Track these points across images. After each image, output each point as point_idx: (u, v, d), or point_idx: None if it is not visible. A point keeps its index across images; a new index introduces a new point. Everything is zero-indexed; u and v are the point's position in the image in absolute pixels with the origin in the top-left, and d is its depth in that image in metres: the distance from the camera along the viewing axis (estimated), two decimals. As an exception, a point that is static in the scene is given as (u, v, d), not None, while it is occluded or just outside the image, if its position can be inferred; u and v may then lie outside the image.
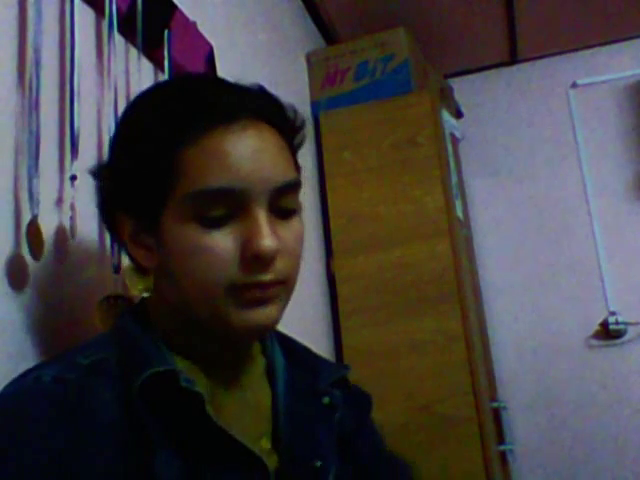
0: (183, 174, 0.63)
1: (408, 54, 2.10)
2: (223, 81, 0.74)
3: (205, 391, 0.65)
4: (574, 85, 2.75)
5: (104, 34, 1.01)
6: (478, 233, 2.64)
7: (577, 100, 2.74)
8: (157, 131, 0.65)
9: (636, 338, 2.50)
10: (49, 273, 0.84)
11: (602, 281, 2.55)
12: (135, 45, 1.07)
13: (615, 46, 2.72)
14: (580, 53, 2.77)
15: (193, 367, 0.69)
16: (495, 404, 2.06)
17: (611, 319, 2.50)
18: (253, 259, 0.63)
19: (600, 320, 2.52)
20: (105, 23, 0.99)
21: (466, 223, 2.32)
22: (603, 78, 2.71)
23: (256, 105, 0.68)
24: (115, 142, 0.71)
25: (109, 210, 0.70)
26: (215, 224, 0.63)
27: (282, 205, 0.67)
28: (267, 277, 0.64)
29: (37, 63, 0.83)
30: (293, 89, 2.04)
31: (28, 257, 0.80)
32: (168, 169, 0.64)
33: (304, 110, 2.11)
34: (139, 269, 0.72)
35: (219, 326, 0.65)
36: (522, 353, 2.56)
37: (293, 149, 0.73)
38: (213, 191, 0.62)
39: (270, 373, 0.75)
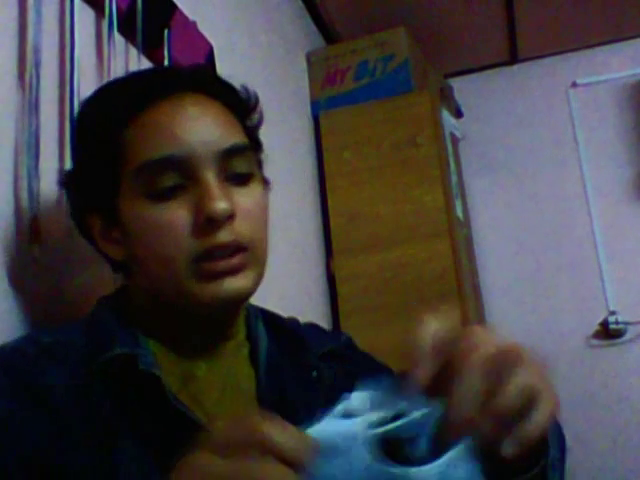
0: (127, 154, 0.64)
1: (408, 54, 2.10)
2: (161, 67, 0.76)
3: (177, 375, 0.64)
4: (574, 85, 2.75)
5: (104, 34, 1.01)
6: (478, 233, 2.64)
7: (577, 100, 2.73)
8: (99, 121, 0.67)
9: (636, 338, 2.50)
10: (49, 273, 0.84)
11: (602, 281, 2.55)
12: (135, 45, 1.07)
13: (615, 46, 2.72)
14: (580, 53, 2.77)
15: (168, 351, 0.67)
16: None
17: (611, 319, 2.50)
18: (206, 223, 0.61)
19: (600, 320, 2.52)
20: (105, 23, 0.99)
21: (466, 223, 2.32)
22: (603, 78, 2.71)
23: (193, 79, 0.69)
24: (71, 147, 0.73)
25: (79, 214, 0.71)
26: (165, 197, 0.62)
27: (235, 170, 0.65)
28: (225, 238, 0.62)
29: (37, 63, 0.83)
30: (293, 89, 2.04)
31: (28, 256, 0.80)
32: (114, 153, 0.65)
33: (304, 110, 2.11)
34: (114, 266, 0.71)
35: (186, 302, 0.64)
36: (522, 353, 2.55)
37: (243, 121, 0.71)
38: (155, 162, 0.62)
39: (254, 356, 0.73)
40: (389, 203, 1.96)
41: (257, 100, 0.75)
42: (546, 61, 2.81)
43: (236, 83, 0.74)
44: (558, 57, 2.79)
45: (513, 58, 2.81)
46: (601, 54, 2.74)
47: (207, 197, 0.61)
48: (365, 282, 1.93)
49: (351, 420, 0.42)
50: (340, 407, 0.43)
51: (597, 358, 2.51)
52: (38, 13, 0.85)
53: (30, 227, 0.79)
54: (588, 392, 2.47)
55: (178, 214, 0.62)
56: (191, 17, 1.27)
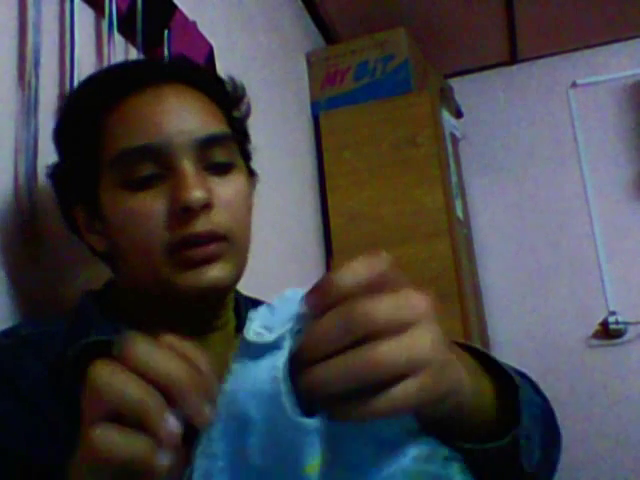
0: (105, 144, 0.64)
1: (408, 54, 2.10)
2: (142, 59, 0.75)
3: None
4: (574, 85, 2.75)
5: (104, 34, 1.01)
6: (478, 233, 2.64)
7: (577, 100, 2.73)
8: (78, 112, 0.67)
9: (636, 338, 2.50)
10: (48, 272, 0.84)
11: (602, 281, 2.55)
12: (135, 45, 1.07)
13: (615, 46, 2.72)
14: (580, 53, 2.77)
15: None
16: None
17: (611, 319, 2.50)
18: (182, 212, 0.61)
19: (600, 320, 2.52)
20: (105, 23, 0.99)
21: (466, 223, 2.32)
22: (603, 78, 2.71)
23: (173, 69, 0.69)
24: (54, 139, 0.72)
25: (66, 207, 0.71)
26: (141, 186, 0.62)
27: (215, 160, 0.65)
28: (201, 228, 0.61)
29: (37, 63, 0.84)
30: (293, 89, 2.04)
31: (27, 256, 0.80)
32: (93, 143, 0.65)
33: (304, 110, 2.11)
34: (100, 257, 0.72)
35: (165, 292, 0.63)
36: (522, 353, 2.55)
37: (226, 111, 0.70)
38: (131, 151, 0.62)
39: None
40: (389, 203, 1.96)
41: (244, 91, 0.74)
42: (546, 61, 2.81)
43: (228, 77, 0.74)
44: (558, 57, 2.79)
45: (513, 58, 2.81)
46: (601, 54, 2.74)
47: (182, 186, 0.61)
48: (365, 282, 1.93)
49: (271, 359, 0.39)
50: (256, 324, 0.40)
51: (597, 358, 2.51)
52: (38, 13, 0.85)
53: (29, 226, 0.80)
54: (588, 392, 2.47)
55: (154, 204, 0.61)
56: (191, 17, 1.27)
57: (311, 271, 1.92)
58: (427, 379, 0.39)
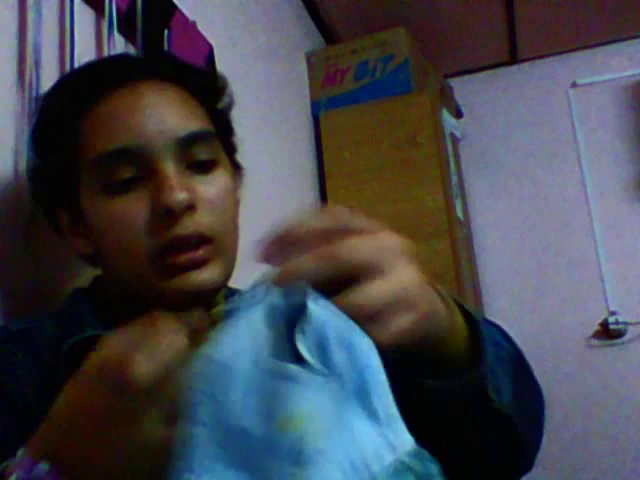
0: (83, 146, 0.62)
1: (408, 54, 2.10)
2: (119, 55, 0.74)
3: None
4: (574, 85, 2.75)
5: (104, 34, 1.01)
6: (478, 233, 2.64)
7: (577, 100, 2.73)
8: (55, 114, 0.66)
9: (636, 338, 2.50)
10: (49, 274, 0.84)
11: (602, 281, 2.55)
12: (135, 45, 1.07)
13: (615, 46, 2.72)
14: (580, 53, 2.76)
15: None
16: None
17: (611, 319, 2.50)
18: (165, 215, 0.58)
19: (600, 320, 2.52)
20: (105, 23, 0.99)
21: (466, 223, 2.32)
22: (603, 78, 2.71)
23: (148, 65, 0.67)
24: (31, 141, 0.71)
25: (48, 209, 0.70)
26: (121, 190, 0.60)
27: (197, 158, 0.63)
28: (185, 230, 0.59)
29: (37, 63, 0.84)
30: (293, 89, 2.04)
31: (27, 256, 0.80)
32: (71, 146, 0.63)
33: (304, 110, 2.11)
34: (86, 260, 0.70)
35: (152, 298, 0.61)
36: (522, 353, 2.56)
37: (207, 105, 0.68)
38: (108, 154, 0.60)
39: None
40: (389, 203, 1.96)
41: (225, 82, 0.72)
42: (546, 61, 2.81)
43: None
44: (558, 57, 2.79)
45: (513, 58, 2.81)
46: (601, 54, 2.74)
47: (164, 188, 0.59)
48: (365, 282, 1.93)
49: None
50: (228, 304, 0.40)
51: (597, 358, 2.51)
52: (38, 13, 0.85)
53: (28, 227, 0.79)
54: (588, 392, 2.46)
55: (135, 208, 0.60)
56: (191, 17, 1.27)
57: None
58: (419, 315, 0.41)
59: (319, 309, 0.38)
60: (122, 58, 0.70)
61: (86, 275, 0.88)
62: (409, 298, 0.41)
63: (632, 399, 2.43)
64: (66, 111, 0.64)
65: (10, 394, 0.59)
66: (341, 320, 0.38)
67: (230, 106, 0.73)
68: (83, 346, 0.59)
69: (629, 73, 2.67)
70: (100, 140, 0.61)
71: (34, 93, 0.83)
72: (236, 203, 0.68)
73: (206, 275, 0.60)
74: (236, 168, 0.72)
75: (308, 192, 2.01)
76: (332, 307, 0.38)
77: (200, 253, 0.60)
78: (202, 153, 0.63)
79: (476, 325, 0.51)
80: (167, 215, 0.59)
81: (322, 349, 0.37)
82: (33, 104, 0.82)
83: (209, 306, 0.66)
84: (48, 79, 0.88)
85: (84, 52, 0.96)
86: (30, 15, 0.86)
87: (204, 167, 0.63)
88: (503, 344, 0.58)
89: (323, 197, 2.06)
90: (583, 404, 2.45)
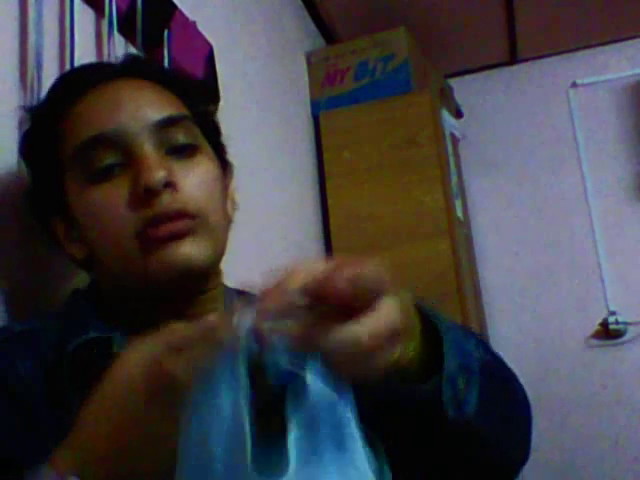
0: (63, 146, 0.64)
1: (408, 54, 2.10)
2: (93, 62, 0.76)
3: None
4: (574, 85, 2.75)
5: (104, 34, 1.01)
6: (478, 233, 2.64)
7: (577, 100, 2.73)
8: (36, 125, 0.68)
9: (636, 338, 2.50)
10: (48, 274, 0.84)
11: (602, 281, 2.55)
12: (135, 45, 1.07)
13: (615, 46, 2.72)
14: (580, 53, 2.76)
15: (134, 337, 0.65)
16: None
17: (611, 319, 2.49)
18: (145, 195, 0.59)
19: (600, 320, 2.52)
20: (105, 23, 0.99)
21: (466, 223, 2.32)
22: (603, 78, 2.71)
23: (124, 66, 0.69)
24: (19, 152, 0.73)
25: (44, 219, 0.70)
26: (103, 177, 0.61)
27: (175, 142, 0.64)
28: (166, 206, 0.60)
29: (38, 63, 0.84)
30: (293, 89, 2.04)
31: (27, 256, 0.80)
32: (54, 150, 0.65)
33: (304, 110, 2.11)
34: (81, 266, 0.71)
35: (138, 278, 0.61)
36: (522, 353, 2.55)
37: (184, 99, 0.69)
38: (85, 143, 0.62)
39: None
40: (389, 203, 1.96)
41: (203, 82, 0.76)
42: (546, 61, 2.81)
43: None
44: (558, 57, 2.79)
45: (513, 58, 2.81)
46: (601, 54, 2.74)
47: (142, 169, 0.60)
48: (365, 282, 1.93)
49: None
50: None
51: (597, 358, 2.51)
52: (38, 13, 0.85)
53: (29, 227, 0.79)
54: (588, 392, 2.46)
55: (117, 192, 0.60)
56: (191, 17, 1.27)
57: (311, 271, 1.91)
58: (403, 344, 0.44)
59: (315, 385, 0.39)
60: (98, 63, 0.73)
61: (84, 275, 0.88)
62: (397, 330, 0.43)
63: (632, 399, 2.43)
64: (45, 119, 0.66)
65: (13, 394, 0.59)
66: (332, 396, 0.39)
67: (212, 109, 0.75)
68: (86, 347, 0.60)
69: (629, 73, 2.67)
70: (78, 133, 0.63)
71: (35, 94, 0.83)
72: (223, 193, 0.68)
73: (187, 248, 0.60)
74: (225, 165, 0.72)
75: (308, 192, 2.01)
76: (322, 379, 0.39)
77: (180, 224, 0.60)
78: (180, 137, 0.64)
79: (438, 333, 0.53)
80: (147, 194, 0.59)
81: (311, 438, 0.38)
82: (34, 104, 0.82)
83: (200, 291, 0.66)
84: (48, 79, 0.88)
85: (84, 52, 0.96)
86: (31, 15, 0.86)
87: (184, 152, 0.64)
88: (473, 353, 0.58)
89: (323, 197, 2.06)
90: (583, 404, 2.45)
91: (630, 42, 2.71)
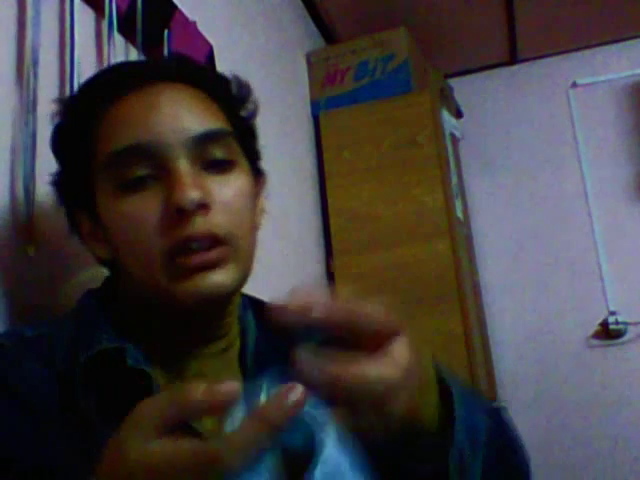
0: (98, 148, 0.62)
1: (408, 54, 2.10)
2: (138, 59, 0.73)
3: (164, 376, 0.61)
4: (574, 85, 2.75)
5: (104, 34, 1.01)
6: (478, 233, 2.64)
7: (577, 100, 2.73)
8: (71, 120, 0.66)
9: (636, 338, 2.50)
10: (47, 274, 0.84)
11: (602, 281, 2.55)
12: (135, 45, 1.07)
13: (615, 46, 2.72)
14: (580, 53, 2.76)
15: (156, 351, 0.63)
16: (495, 404, 2.06)
17: (611, 319, 2.49)
18: (177, 214, 0.57)
19: (600, 320, 2.52)
20: (105, 23, 0.99)
21: (466, 223, 2.32)
22: (603, 78, 2.71)
23: (166, 68, 0.66)
24: (51, 146, 0.71)
25: (70, 212, 0.69)
26: (135, 188, 0.59)
27: (212, 157, 0.61)
28: (197, 229, 0.57)
29: (35, 62, 0.84)
30: (293, 89, 2.04)
31: (23, 257, 0.79)
32: (88, 150, 0.63)
33: (304, 110, 2.11)
34: (104, 265, 0.70)
35: (164, 301, 0.60)
36: (522, 353, 2.56)
37: (228, 109, 0.67)
38: (120, 152, 0.59)
39: (242, 350, 0.68)
40: (389, 203, 1.96)
41: (248, 89, 0.71)
42: (546, 61, 2.81)
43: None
44: (558, 57, 2.79)
45: (513, 58, 2.81)
46: (601, 54, 2.73)
47: (176, 187, 0.57)
48: (365, 282, 1.93)
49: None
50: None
51: (597, 358, 2.51)
52: (37, 12, 0.85)
53: (26, 227, 0.79)
54: (588, 392, 2.46)
55: (148, 207, 0.58)
56: (191, 17, 1.27)
57: (311, 271, 1.92)
58: (413, 397, 0.44)
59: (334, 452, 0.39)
60: (140, 62, 0.70)
61: (86, 275, 0.88)
62: (407, 379, 0.43)
63: (632, 399, 2.43)
64: (82, 116, 0.64)
65: (26, 402, 0.58)
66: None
67: (254, 114, 0.72)
68: (98, 358, 0.59)
69: (629, 73, 2.67)
70: (114, 139, 0.61)
71: (32, 93, 0.83)
72: (254, 208, 0.66)
73: (219, 278, 0.58)
74: (258, 174, 0.70)
75: (308, 192, 2.01)
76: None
77: (212, 254, 0.58)
78: (218, 152, 0.62)
79: (450, 396, 0.53)
80: (179, 214, 0.57)
81: None
82: (31, 104, 0.82)
83: (223, 313, 0.65)
84: (47, 79, 0.88)
85: (84, 52, 0.96)
86: (29, 14, 0.86)
87: (220, 167, 0.62)
88: (482, 423, 0.58)
89: (323, 197, 2.06)
90: (583, 404, 2.45)
91: (630, 42, 2.71)
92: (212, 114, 0.64)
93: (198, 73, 0.67)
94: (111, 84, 0.65)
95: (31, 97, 0.82)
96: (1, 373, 0.59)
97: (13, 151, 0.82)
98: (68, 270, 0.87)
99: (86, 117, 0.64)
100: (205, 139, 0.61)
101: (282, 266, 1.65)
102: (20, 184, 0.81)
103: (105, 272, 0.72)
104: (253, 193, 0.66)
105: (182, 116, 0.61)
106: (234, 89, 0.70)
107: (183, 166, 0.59)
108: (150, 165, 0.59)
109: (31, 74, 0.83)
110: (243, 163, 0.65)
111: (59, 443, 0.57)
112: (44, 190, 0.83)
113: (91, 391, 0.59)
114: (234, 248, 0.60)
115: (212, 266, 0.58)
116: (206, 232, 0.58)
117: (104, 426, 0.57)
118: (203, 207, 0.58)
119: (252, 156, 0.70)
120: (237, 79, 0.70)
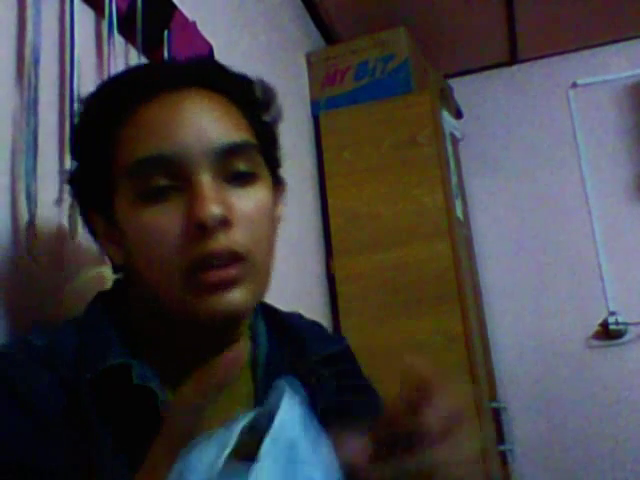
0: (120, 153, 0.61)
1: (408, 54, 2.10)
2: (162, 61, 0.71)
3: (175, 386, 0.60)
4: (574, 85, 2.75)
5: (104, 34, 1.01)
6: (478, 233, 2.64)
7: (577, 100, 2.73)
8: (94, 120, 0.64)
9: (636, 338, 2.50)
10: (47, 274, 0.84)
11: (602, 281, 2.55)
12: (135, 45, 1.07)
13: (615, 46, 2.72)
14: (580, 53, 2.77)
15: (166, 362, 0.63)
16: (495, 404, 2.06)
17: (611, 319, 2.50)
18: (197, 229, 0.56)
19: (600, 320, 2.52)
20: (105, 23, 0.99)
21: (466, 223, 2.32)
22: (603, 78, 2.71)
23: (192, 72, 0.64)
24: (70, 145, 0.70)
25: (85, 212, 0.68)
26: (157, 198, 0.58)
27: (235, 169, 0.60)
28: (217, 246, 0.56)
29: (36, 62, 0.83)
30: (293, 89, 2.04)
31: (25, 258, 0.79)
32: (109, 152, 0.62)
33: (304, 110, 2.11)
34: (118, 268, 0.68)
35: (182, 316, 0.59)
36: (522, 353, 2.56)
37: (252, 117, 0.66)
38: (143, 162, 0.58)
39: (254, 360, 0.68)
40: (389, 203, 1.96)
41: (273, 94, 0.70)
42: (546, 61, 2.81)
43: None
44: (558, 57, 2.79)
45: (513, 58, 2.81)
46: (601, 54, 2.74)
47: (198, 201, 0.56)
48: (365, 282, 1.93)
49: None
50: (247, 419, 0.40)
51: (597, 359, 2.51)
52: (37, 13, 0.85)
53: (28, 228, 0.79)
54: (588, 393, 2.47)
55: (168, 219, 0.57)
56: (191, 17, 1.27)
57: (311, 271, 1.92)
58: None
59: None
60: (163, 65, 0.68)
61: (86, 276, 0.88)
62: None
63: (632, 399, 2.43)
64: (104, 118, 0.63)
65: (35, 413, 0.57)
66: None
67: (277, 119, 0.71)
68: (104, 373, 0.59)
69: (629, 73, 2.67)
70: (137, 147, 0.60)
71: (33, 93, 0.83)
72: (274, 220, 0.66)
73: (237, 296, 0.58)
74: (277, 183, 0.69)
75: (308, 192, 2.01)
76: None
77: (231, 272, 0.57)
78: (241, 165, 0.61)
79: None
80: (200, 230, 0.56)
81: None
82: (32, 103, 0.82)
83: (233, 329, 0.65)
84: (48, 79, 0.88)
85: (84, 52, 0.96)
86: (29, 15, 0.86)
87: (243, 180, 0.61)
88: None
89: (323, 197, 2.06)
90: (583, 404, 2.45)
91: (630, 42, 2.71)
92: (236, 124, 0.63)
93: (222, 77, 0.66)
94: (131, 88, 0.63)
95: (31, 97, 0.82)
96: (15, 387, 0.59)
97: (14, 151, 0.82)
98: (69, 270, 0.87)
99: (109, 120, 0.63)
100: (229, 152, 0.60)
101: (282, 266, 1.64)
102: (22, 184, 0.81)
103: (108, 272, 0.72)
104: (273, 204, 0.65)
105: (206, 127, 0.60)
106: (258, 93, 0.69)
107: (206, 179, 0.58)
108: (172, 176, 0.58)
109: (31, 74, 0.83)
110: (265, 175, 0.65)
111: (67, 455, 0.56)
112: (46, 190, 0.83)
113: (96, 404, 0.59)
114: (252, 265, 0.59)
115: (230, 284, 0.58)
116: (226, 249, 0.57)
117: (107, 437, 0.58)
118: (224, 223, 0.57)
119: (273, 165, 0.69)
120: (262, 82, 0.69)
